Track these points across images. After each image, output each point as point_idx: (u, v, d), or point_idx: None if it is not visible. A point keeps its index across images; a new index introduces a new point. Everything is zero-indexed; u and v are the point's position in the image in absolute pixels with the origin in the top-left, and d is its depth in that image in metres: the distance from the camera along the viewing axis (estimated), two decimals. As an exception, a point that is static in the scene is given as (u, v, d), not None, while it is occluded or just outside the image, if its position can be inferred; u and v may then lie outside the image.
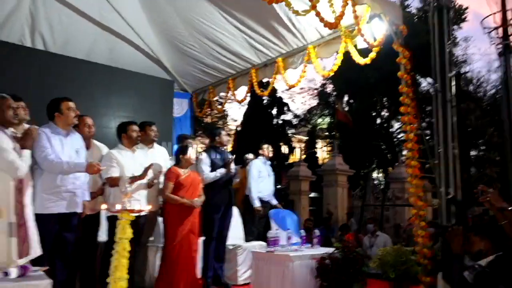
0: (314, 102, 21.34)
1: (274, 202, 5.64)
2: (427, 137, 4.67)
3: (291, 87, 5.37)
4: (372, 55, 4.29)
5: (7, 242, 2.77)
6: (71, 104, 3.51)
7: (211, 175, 4.61)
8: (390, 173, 13.31)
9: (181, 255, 4.01)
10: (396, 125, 18.62)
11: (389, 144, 18.41)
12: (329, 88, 20.26)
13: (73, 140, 3.57)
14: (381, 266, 3.55)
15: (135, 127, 4.02)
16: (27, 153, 2.99)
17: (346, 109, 13.56)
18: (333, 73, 4.94)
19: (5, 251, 2.76)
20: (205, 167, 4.66)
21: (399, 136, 18.26)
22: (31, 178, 3.27)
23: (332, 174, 11.73)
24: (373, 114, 18.76)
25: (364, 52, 4.38)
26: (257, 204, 5.24)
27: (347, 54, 4.44)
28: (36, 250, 3.00)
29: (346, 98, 18.74)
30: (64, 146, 3.44)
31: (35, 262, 2.93)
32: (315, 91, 20.85)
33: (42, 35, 5.48)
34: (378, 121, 19.14)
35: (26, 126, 3.36)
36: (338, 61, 4.71)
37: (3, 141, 2.86)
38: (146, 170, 3.74)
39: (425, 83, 17.25)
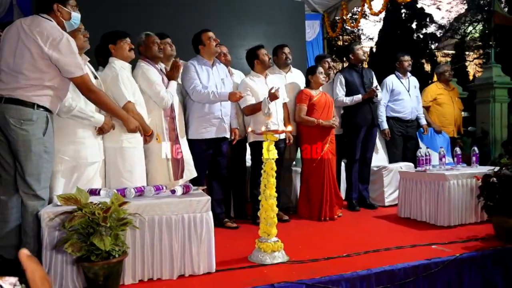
0: (462, 9, 18.47)
1: (423, 122, 5.10)
2: None
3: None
4: None
5: (167, 165, 3.14)
6: (211, 34, 3.65)
7: (345, 99, 4.38)
8: None
9: (321, 176, 4.00)
10: None
11: None
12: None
13: (219, 70, 3.75)
14: None
15: (265, 50, 3.95)
16: (173, 83, 3.25)
17: (506, 9, 11.33)
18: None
19: (167, 173, 3.13)
20: (339, 90, 4.44)
21: None
22: (183, 107, 3.60)
23: (487, 89, 10.22)
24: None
25: None
26: (383, 126, 4.82)
27: None
28: (191, 172, 3.34)
29: (505, -4, 15.67)
30: (211, 76, 3.63)
31: (195, 182, 3.27)
32: (464, -6, 17.96)
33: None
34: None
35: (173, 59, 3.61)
36: None
37: (152, 74, 3.14)
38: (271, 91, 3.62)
39: None
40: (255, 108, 3.73)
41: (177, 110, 3.31)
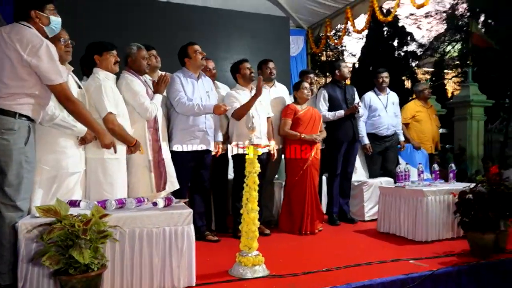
0: (442, 28, 19.04)
1: (401, 138, 5.13)
2: None
3: (419, 6, 4.73)
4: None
5: (149, 177, 3.11)
6: (197, 47, 3.68)
7: (328, 114, 4.44)
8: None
9: (302, 191, 4.05)
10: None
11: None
12: (461, 9, 17.77)
13: (204, 83, 3.76)
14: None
15: (247, 64, 3.97)
16: (158, 96, 3.25)
17: (483, 31, 11.76)
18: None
19: (149, 184, 3.11)
20: (322, 105, 4.49)
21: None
22: (167, 119, 3.59)
23: (464, 107, 10.53)
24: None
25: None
26: (364, 141, 4.84)
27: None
28: (174, 184, 3.32)
29: (482, 18, 16.24)
30: (196, 89, 3.64)
31: (177, 195, 3.25)
32: (444, 14, 18.50)
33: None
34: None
35: (161, 73, 3.62)
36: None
37: (137, 85, 3.14)
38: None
39: None
40: (243, 109, 3.74)
41: (160, 122, 3.30)
